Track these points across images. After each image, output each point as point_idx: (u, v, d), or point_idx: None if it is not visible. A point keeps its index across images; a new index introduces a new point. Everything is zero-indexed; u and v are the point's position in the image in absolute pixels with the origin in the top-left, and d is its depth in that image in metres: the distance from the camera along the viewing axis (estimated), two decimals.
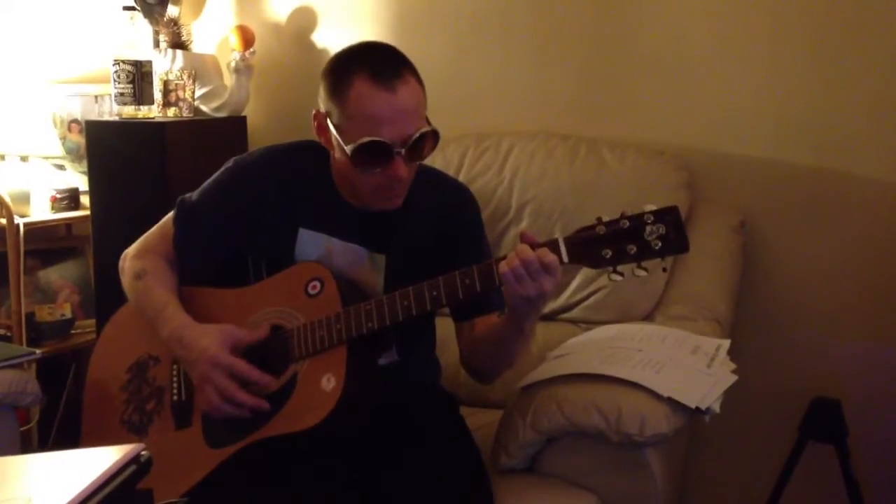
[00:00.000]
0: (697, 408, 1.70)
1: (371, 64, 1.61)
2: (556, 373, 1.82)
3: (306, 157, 1.79)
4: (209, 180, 1.85)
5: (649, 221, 1.48)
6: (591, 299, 2.28)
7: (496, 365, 1.77)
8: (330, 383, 1.60)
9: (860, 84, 2.31)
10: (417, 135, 1.62)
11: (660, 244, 1.47)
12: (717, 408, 1.72)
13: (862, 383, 2.36)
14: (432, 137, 1.65)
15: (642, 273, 1.49)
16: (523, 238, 1.55)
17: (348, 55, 1.68)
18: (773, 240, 2.45)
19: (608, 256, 1.49)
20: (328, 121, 1.67)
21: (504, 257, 1.54)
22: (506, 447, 1.80)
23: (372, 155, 1.61)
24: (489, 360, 1.77)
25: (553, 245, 1.52)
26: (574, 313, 2.30)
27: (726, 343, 1.93)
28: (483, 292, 1.57)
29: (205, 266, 1.85)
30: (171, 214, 1.87)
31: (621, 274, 1.51)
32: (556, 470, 1.81)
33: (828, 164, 2.36)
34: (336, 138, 1.66)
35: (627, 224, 1.49)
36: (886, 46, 2.28)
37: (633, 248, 1.48)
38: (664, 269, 1.53)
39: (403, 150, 1.61)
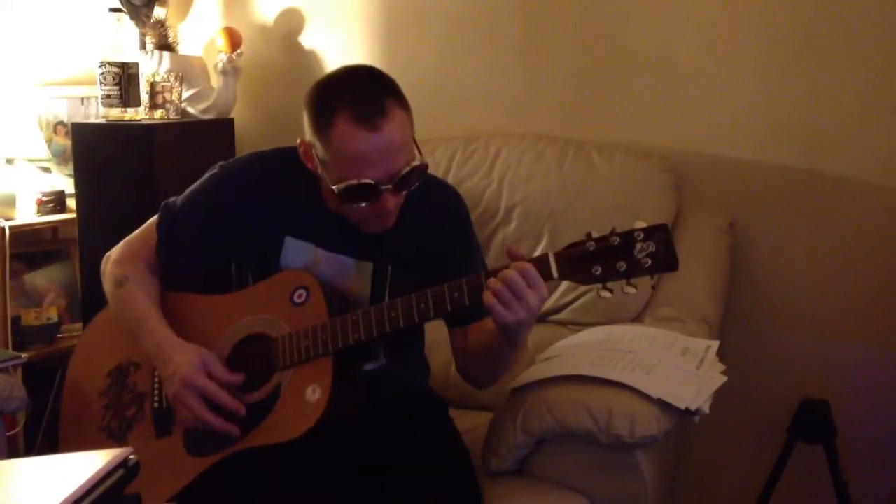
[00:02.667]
0: (687, 409, 1.71)
1: (353, 100, 1.57)
2: (546, 375, 1.82)
3: (293, 164, 1.75)
4: (194, 186, 1.83)
5: (639, 238, 1.48)
6: (580, 301, 2.28)
7: (492, 373, 1.76)
8: (315, 394, 1.58)
9: (849, 86, 2.32)
10: (406, 171, 1.60)
11: (650, 262, 1.47)
12: (706, 409, 1.73)
13: (850, 384, 2.36)
14: (422, 168, 1.64)
15: (631, 290, 1.50)
16: (510, 253, 1.54)
17: (330, 88, 1.63)
18: (761, 241, 2.45)
19: (598, 273, 1.49)
20: (313, 151, 1.65)
21: (494, 272, 1.53)
22: (496, 450, 1.80)
23: (358, 196, 1.60)
24: (484, 369, 1.76)
25: (543, 261, 1.52)
26: (563, 315, 2.30)
27: (715, 344, 1.93)
28: (472, 303, 1.57)
29: (188, 273, 1.82)
30: (154, 219, 1.84)
31: (610, 290, 1.51)
32: (546, 472, 1.81)
33: (816, 166, 2.37)
34: (322, 171, 1.64)
35: (617, 241, 1.48)
36: (875, 48, 2.29)
37: (622, 266, 1.48)
38: (653, 287, 1.53)
39: (391, 186, 1.60)
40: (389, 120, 1.57)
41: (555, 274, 1.51)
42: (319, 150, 1.62)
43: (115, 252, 1.86)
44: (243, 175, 1.80)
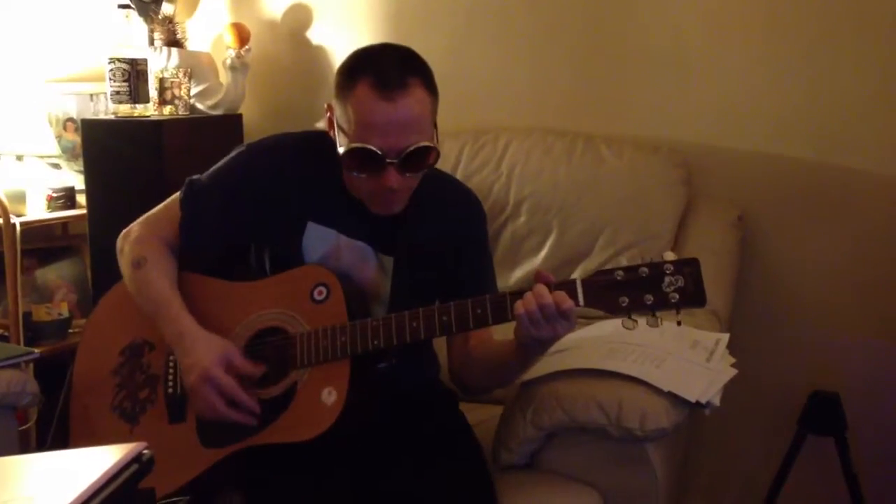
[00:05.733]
0: (698, 402, 1.70)
1: (377, 70, 1.58)
2: (556, 368, 1.82)
3: (319, 148, 1.74)
4: (220, 163, 1.81)
5: (668, 272, 1.48)
6: None
7: (489, 384, 1.78)
8: (331, 397, 1.58)
9: (858, 78, 2.31)
10: (413, 148, 1.59)
11: (677, 297, 1.47)
12: (717, 401, 1.73)
13: (861, 377, 2.36)
14: (432, 152, 1.63)
15: (656, 322, 1.50)
16: (539, 278, 1.53)
17: (360, 56, 1.65)
18: (771, 234, 2.45)
19: (624, 304, 1.49)
20: (334, 116, 1.65)
21: (519, 292, 1.53)
22: (506, 443, 1.80)
23: (361, 161, 1.60)
24: (484, 378, 1.76)
25: (570, 287, 1.51)
26: None
27: (725, 337, 1.93)
28: (495, 321, 1.57)
29: (209, 251, 1.79)
30: (177, 196, 1.81)
31: (635, 321, 1.51)
32: (556, 466, 1.81)
33: (826, 159, 2.36)
34: (337, 136, 1.64)
35: (647, 272, 1.48)
36: (884, 41, 2.28)
37: (650, 299, 1.48)
38: (679, 323, 1.52)
39: (397, 161, 1.59)
40: (408, 95, 1.57)
41: (581, 301, 1.51)
42: (339, 113, 1.63)
43: (134, 229, 1.83)
44: (269, 156, 1.78)
